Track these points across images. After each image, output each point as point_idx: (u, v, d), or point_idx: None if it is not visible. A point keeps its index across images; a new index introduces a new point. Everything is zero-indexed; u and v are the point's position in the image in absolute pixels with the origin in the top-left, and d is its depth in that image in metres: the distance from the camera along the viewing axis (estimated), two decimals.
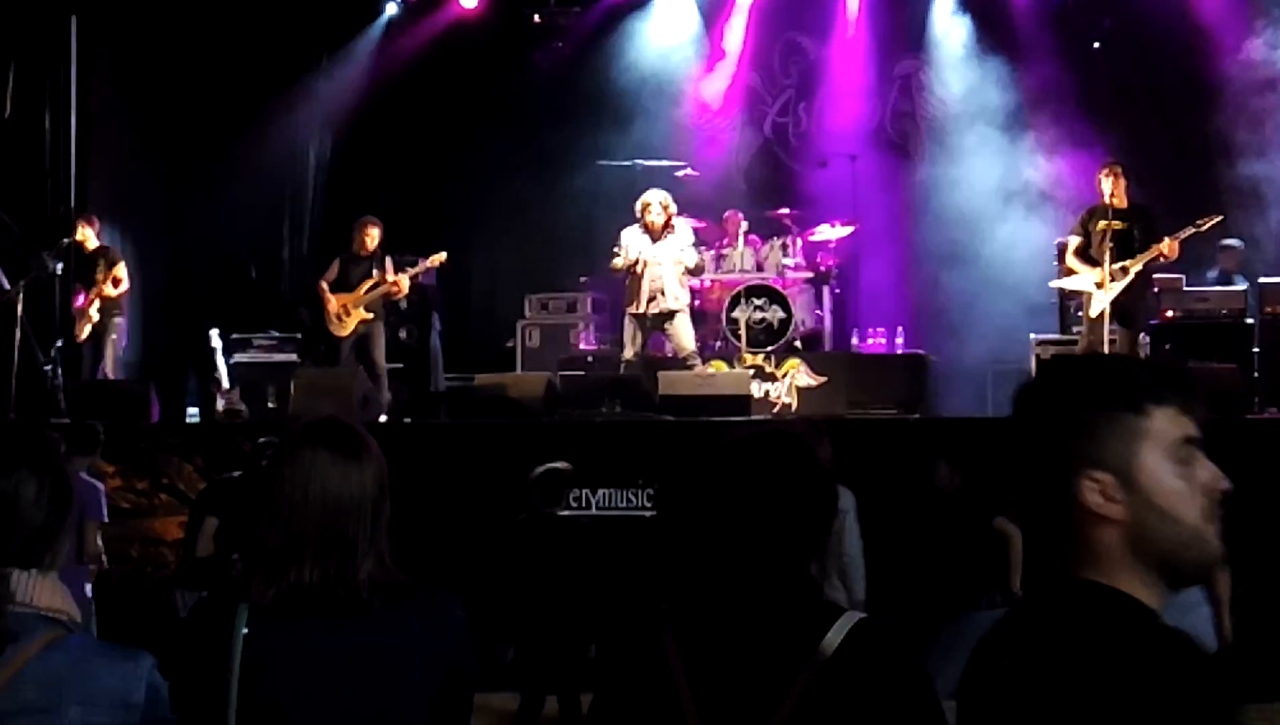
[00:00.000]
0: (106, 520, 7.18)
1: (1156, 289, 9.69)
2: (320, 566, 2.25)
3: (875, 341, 11.44)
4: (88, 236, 10.77)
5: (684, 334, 10.06)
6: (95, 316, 10.66)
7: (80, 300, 10.66)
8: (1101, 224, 8.94)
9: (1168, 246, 8.77)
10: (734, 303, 11.01)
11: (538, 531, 6.25)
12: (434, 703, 2.30)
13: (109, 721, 2.05)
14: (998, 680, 1.57)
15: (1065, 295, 10.26)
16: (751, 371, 10.48)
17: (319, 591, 2.25)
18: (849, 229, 11.55)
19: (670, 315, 9.99)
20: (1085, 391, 1.59)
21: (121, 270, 10.73)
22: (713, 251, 11.41)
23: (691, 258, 10.14)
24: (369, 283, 10.51)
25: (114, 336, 10.76)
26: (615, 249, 10.10)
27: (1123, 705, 1.44)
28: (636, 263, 9.92)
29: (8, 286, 10.05)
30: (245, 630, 2.22)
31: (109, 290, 10.63)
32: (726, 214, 11.82)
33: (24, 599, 2.10)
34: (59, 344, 10.42)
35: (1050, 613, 1.56)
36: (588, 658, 6.06)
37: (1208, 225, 8.93)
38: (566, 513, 6.61)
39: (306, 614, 2.24)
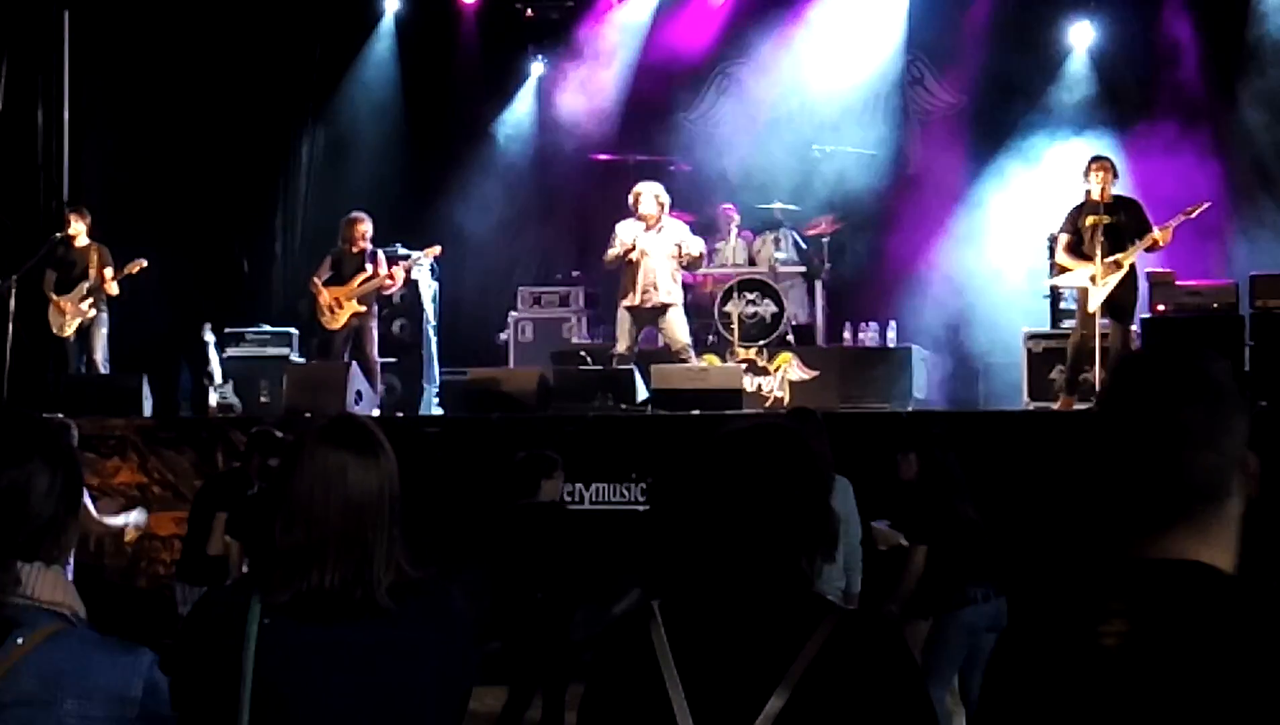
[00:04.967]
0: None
1: (1148, 283, 9.71)
2: (340, 570, 2.25)
3: (867, 335, 11.45)
4: (79, 231, 10.73)
5: (677, 327, 10.04)
6: (89, 312, 10.63)
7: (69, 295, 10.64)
8: (1091, 219, 8.96)
9: (1160, 234, 8.80)
10: (726, 297, 11.03)
11: (523, 520, 6.23)
12: (440, 697, 2.32)
13: (105, 715, 2.05)
14: (1151, 674, 1.57)
15: (1056, 289, 10.28)
16: (744, 366, 10.50)
17: (338, 596, 2.24)
18: (841, 223, 11.57)
19: (663, 309, 9.97)
20: (1231, 382, 1.67)
21: (110, 270, 10.67)
22: (705, 246, 11.40)
23: (696, 247, 10.06)
24: (361, 276, 10.51)
25: (103, 331, 10.74)
26: (611, 240, 10.08)
27: None
28: (632, 249, 9.86)
29: None
30: (258, 626, 2.22)
31: (112, 288, 10.59)
32: (719, 208, 11.84)
33: (26, 591, 2.09)
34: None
35: (1194, 603, 1.59)
36: (573, 650, 6.06)
37: (1197, 211, 8.94)
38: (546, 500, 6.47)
39: (322, 618, 2.24)
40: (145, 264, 10.57)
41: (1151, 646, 1.57)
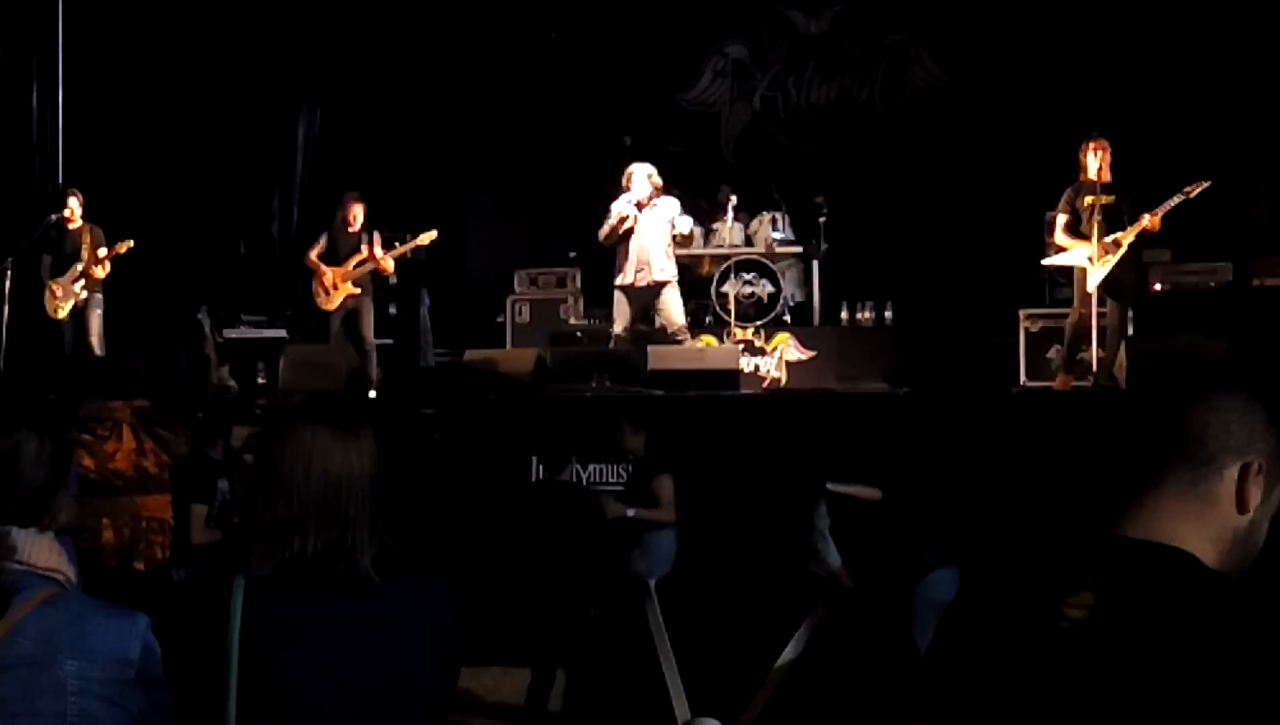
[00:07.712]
0: (75, 492, 7.03)
1: (1146, 262, 9.70)
2: (321, 539, 2.26)
3: (864, 316, 11.44)
4: (74, 212, 10.69)
5: (673, 308, 10.00)
6: (80, 293, 10.60)
7: (64, 277, 10.61)
8: (1089, 199, 8.91)
9: (1149, 221, 8.74)
10: (723, 277, 11.03)
11: (544, 499, 6.31)
12: (427, 672, 2.32)
13: (104, 676, 2.08)
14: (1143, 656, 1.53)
15: (1054, 269, 10.26)
16: (741, 346, 10.50)
17: (320, 563, 2.26)
18: (838, 203, 11.55)
19: (658, 288, 9.93)
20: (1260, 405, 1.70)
21: (103, 251, 10.62)
22: (702, 227, 11.40)
23: (685, 225, 10.01)
24: (357, 258, 10.49)
25: (97, 312, 10.71)
26: (607, 219, 10.01)
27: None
28: (626, 220, 9.78)
29: None
30: (242, 601, 2.23)
31: (98, 272, 10.56)
32: (716, 189, 11.82)
33: (21, 557, 2.13)
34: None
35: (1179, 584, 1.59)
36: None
37: (1196, 191, 8.88)
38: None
39: (306, 590, 2.25)
40: (132, 244, 10.52)
41: (1115, 625, 1.55)
